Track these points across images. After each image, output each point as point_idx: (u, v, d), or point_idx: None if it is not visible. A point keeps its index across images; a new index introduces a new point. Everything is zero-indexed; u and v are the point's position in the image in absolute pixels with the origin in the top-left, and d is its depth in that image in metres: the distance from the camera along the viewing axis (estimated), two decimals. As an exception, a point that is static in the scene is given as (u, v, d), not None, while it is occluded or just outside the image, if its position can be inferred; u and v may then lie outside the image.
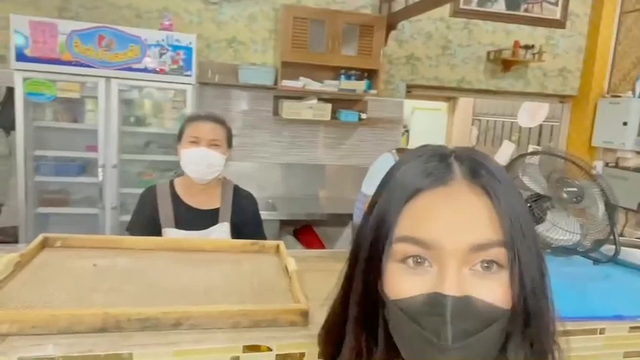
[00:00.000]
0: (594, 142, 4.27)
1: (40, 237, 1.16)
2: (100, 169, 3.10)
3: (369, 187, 2.81)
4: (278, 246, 1.23)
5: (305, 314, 0.85)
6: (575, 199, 1.14)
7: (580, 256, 1.22)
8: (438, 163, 0.50)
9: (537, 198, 1.15)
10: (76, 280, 0.99)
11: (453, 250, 0.46)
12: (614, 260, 1.18)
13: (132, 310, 0.81)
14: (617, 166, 4.09)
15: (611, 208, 1.15)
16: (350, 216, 3.30)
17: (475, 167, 0.49)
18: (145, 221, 1.64)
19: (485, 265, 0.46)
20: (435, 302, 0.45)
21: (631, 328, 0.95)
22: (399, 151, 3.00)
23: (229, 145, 1.69)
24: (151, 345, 0.81)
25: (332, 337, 0.58)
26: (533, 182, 1.16)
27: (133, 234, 1.62)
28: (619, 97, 4.05)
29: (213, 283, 1.00)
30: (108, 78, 3.01)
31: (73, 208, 3.25)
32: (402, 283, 0.48)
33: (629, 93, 3.98)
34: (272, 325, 0.84)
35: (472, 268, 0.46)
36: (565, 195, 1.14)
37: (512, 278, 0.46)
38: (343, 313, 0.56)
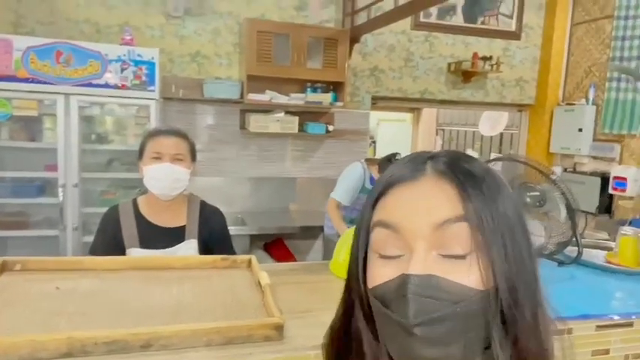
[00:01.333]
0: (552, 148, 4.43)
1: (-3, 261, 1.10)
2: (60, 189, 2.99)
3: (337, 192, 2.90)
4: (250, 260, 1.21)
5: (280, 328, 0.84)
6: (538, 203, 1.18)
7: (545, 259, 1.25)
8: (414, 164, 0.53)
9: (503, 203, 1.17)
10: (38, 305, 0.94)
11: (417, 231, 0.47)
12: (577, 261, 1.22)
13: (98, 333, 0.78)
14: (574, 170, 4.26)
15: (572, 210, 1.19)
16: (321, 228, 3.30)
17: (447, 164, 0.51)
18: (109, 242, 1.58)
19: (453, 251, 0.47)
20: (400, 284, 0.47)
21: (597, 326, 0.98)
22: (368, 161, 3.06)
23: (193, 158, 1.66)
24: (120, 369, 0.77)
25: (337, 343, 0.58)
26: (498, 188, 1.19)
27: (95, 256, 1.56)
28: (573, 104, 4.23)
29: (184, 302, 0.97)
30: (67, 94, 2.92)
31: (32, 231, 3.11)
32: (378, 270, 0.50)
33: (583, 100, 4.17)
34: (247, 342, 0.81)
35: (440, 253, 0.47)
36: (528, 199, 1.18)
37: (482, 260, 0.46)
38: (346, 318, 0.56)
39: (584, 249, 1.23)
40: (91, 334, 0.77)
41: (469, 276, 0.46)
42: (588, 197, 3.90)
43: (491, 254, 0.46)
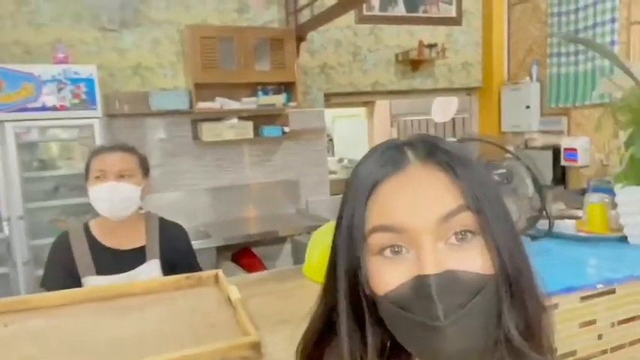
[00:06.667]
0: (503, 127, 4.54)
1: None
2: (4, 223, 2.78)
3: None
4: (216, 275, 1.13)
5: (257, 346, 0.77)
6: (505, 180, 1.16)
7: (518, 235, 1.23)
8: (392, 153, 0.51)
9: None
10: (-21, 357, 0.83)
11: (422, 228, 0.46)
12: (549, 234, 1.21)
13: (51, 381, 0.68)
14: (526, 147, 4.37)
15: (539, 184, 1.18)
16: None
17: (427, 148, 0.51)
18: (61, 273, 1.46)
19: (460, 236, 0.47)
20: (418, 285, 0.46)
21: (582, 298, 0.97)
22: None
23: (145, 173, 1.55)
24: (81, 417, 0.68)
25: (316, 349, 0.56)
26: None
27: (49, 290, 1.43)
28: (518, 83, 4.35)
29: (147, 331, 0.88)
30: (1, 122, 2.72)
31: (-23, 271, 2.88)
32: (385, 275, 0.48)
33: (527, 79, 4.29)
34: (221, 366, 0.74)
35: (447, 242, 0.47)
36: (496, 177, 1.16)
37: (487, 242, 0.47)
38: (327, 322, 0.54)
39: (554, 221, 1.23)
40: (40, 383, 0.68)
41: (480, 260, 0.47)
42: (542, 171, 4.01)
43: (493, 234, 0.47)
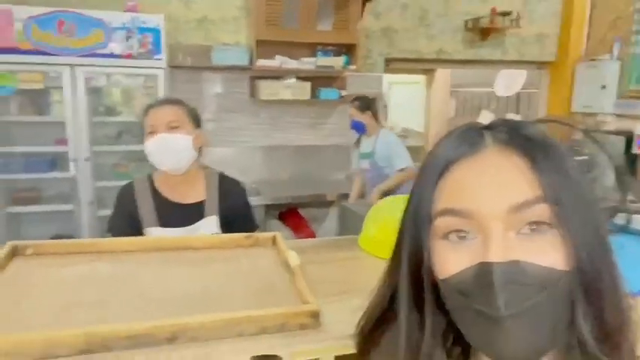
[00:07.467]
0: (574, 107, 4.27)
1: (7, 245, 1.04)
2: (71, 163, 2.94)
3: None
4: (275, 237, 1.14)
5: (316, 315, 0.77)
6: (586, 169, 1.08)
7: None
8: (470, 135, 0.49)
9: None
10: (53, 294, 0.88)
11: (492, 214, 0.44)
12: (625, 230, 1.13)
13: (119, 327, 0.71)
14: (597, 130, 4.10)
15: (621, 175, 1.09)
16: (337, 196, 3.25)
17: (508, 132, 0.48)
18: (126, 222, 1.51)
19: (534, 227, 0.44)
20: (481, 272, 0.43)
21: (660, 303, 0.90)
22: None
23: (196, 125, 1.56)
24: (146, 363, 0.71)
25: (376, 326, 0.55)
26: (541, 153, 1.09)
27: (114, 236, 1.50)
28: (596, 60, 4.04)
29: (210, 286, 0.90)
30: (72, 66, 2.83)
31: (46, 206, 3.09)
32: (449, 259, 0.46)
33: (607, 56, 3.97)
34: (281, 331, 0.75)
35: (520, 233, 0.44)
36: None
37: (563, 236, 0.43)
38: (389, 301, 0.53)
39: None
40: (111, 328, 0.71)
41: (553, 255, 0.43)
42: (612, 157, 3.75)
43: (571, 228, 0.43)
